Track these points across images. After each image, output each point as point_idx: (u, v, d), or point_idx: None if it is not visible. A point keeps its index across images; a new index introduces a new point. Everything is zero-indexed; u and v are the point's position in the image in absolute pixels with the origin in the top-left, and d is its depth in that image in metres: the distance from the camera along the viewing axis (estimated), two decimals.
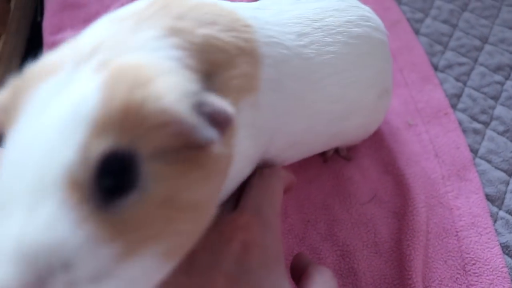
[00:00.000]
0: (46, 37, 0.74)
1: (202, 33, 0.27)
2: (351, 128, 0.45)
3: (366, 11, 0.44)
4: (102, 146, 0.19)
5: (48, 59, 0.24)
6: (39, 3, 0.87)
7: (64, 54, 0.24)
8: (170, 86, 0.21)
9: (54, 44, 0.73)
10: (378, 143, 0.58)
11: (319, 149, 0.48)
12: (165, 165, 0.21)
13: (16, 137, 0.20)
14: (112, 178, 0.19)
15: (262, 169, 0.36)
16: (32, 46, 0.84)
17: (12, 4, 0.78)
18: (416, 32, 0.70)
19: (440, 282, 0.49)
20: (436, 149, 0.57)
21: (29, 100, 0.21)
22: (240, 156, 0.29)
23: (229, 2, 0.33)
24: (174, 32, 0.26)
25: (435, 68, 0.66)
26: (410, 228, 0.50)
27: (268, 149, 0.35)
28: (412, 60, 0.65)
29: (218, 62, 0.27)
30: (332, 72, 0.37)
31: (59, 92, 0.21)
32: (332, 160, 0.56)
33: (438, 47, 0.68)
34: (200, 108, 0.22)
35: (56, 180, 0.18)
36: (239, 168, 0.31)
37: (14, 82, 0.24)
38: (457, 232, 0.52)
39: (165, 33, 0.25)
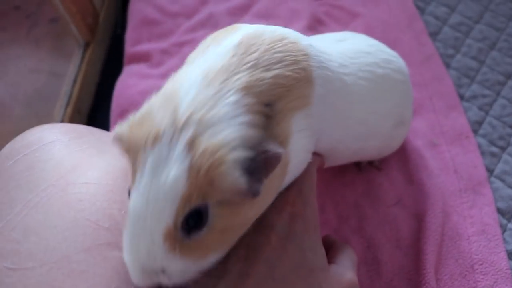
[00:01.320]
0: (128, 48, 0.87)
1: (271, 76, 0.35)
2: (369, 148, 0.55)
3: (390, 55, 0.54)
4: (187, 210, 0.30)
5: (152, 116, 0.33)
6: (120, 18, 1.00)
7: (162, 119, 0.32)
8: (233, 165, 0.30)
9: (133, 54, 0.86)
10: (406, 158, 0.67)
11: (349, 159, 0.58)
12: (225, 208, 0.32)
13: (136, 194, 0.31)
14: (193, 221, 0.31)
15: None
16: (111, 54, 0.97)
17: (101, 18, 0.92)
18: (447, 66, 0.80)
19: (450, 277, 0.58)
20: (456, 166, 0.67)
21: (142, 162, 0.31)
22: (300, 152, 0.40)
23: (293, 31, 0.42)
24: (248, 89, 0.33)
25: (461, 98, 0.75)
26: (427, 229, 0.60)
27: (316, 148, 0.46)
28: (441, 89, 0.76)
29: (281, 94, 0.35)
30: (360, 100, 0.48)
31: (162, 165, 0.31)
32: (366, 169, 0.67)
33: (466, 80, 0.78)
34: (256, 162, 0.31)
35: (160, 230, 0.31)
36: (300, 161, 0.41)
37: (128, 123, 0.34)
38: (468, 236, 0.61)
39: (242, 95, 0.33)
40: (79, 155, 0.43)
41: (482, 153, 0.69)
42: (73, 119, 0.82)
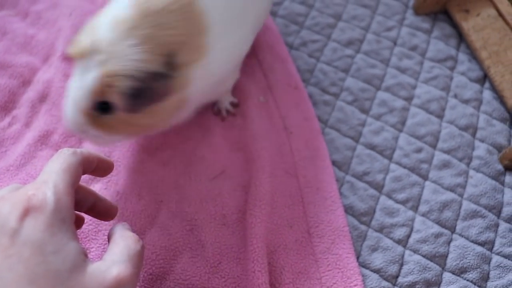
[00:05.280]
0: None
1: (168, 27, 0.45)
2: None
3: None
4: (97, 99, 0.44)
5: (83, 39, 0.45)
6: None
7: (87, 42, 0.44)
8: (119, 89, 0.44)
9: None
10: (230, 122, 0.61)
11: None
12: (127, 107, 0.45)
13: (72, 84, 0.46)
14: (102, 107, 0.45)
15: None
16: None
17: None
18: (273, 14, 0.75)
19: (285, 246, 0.53)
20: (286, 123, 0.61)
21: (77, 66, 0.45)
22: (197, 92, 0.50)
23: None
24: (148, 37, 0.44)
25: (290, 46, 0.70)
26: (254, 198, 0.54)
27: None
28: (267, 40, 0.69)
29: (179, 46, 0.45)
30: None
31: (85, 71, 0.44)
32: (187, 140, 0.59)
33: (294, 27, 0.74)
34: (142, 92, 0.44)
35: (81, 107, 0.45)
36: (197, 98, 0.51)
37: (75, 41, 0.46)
38: (302, 198, 0.56)
39: (142, 41, 0.44)
40: None
41: (315, 104, 0.64)
42: None
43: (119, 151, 0.59)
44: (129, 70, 0.43)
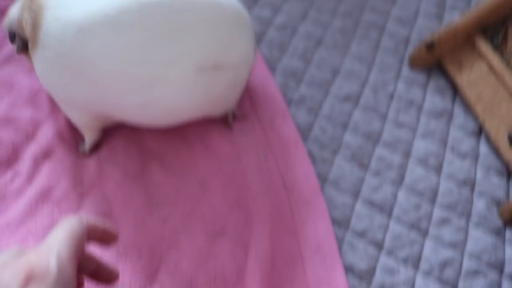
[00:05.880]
0: None
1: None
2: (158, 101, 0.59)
3: None
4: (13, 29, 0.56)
5: None
6: None
7: None
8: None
9: None
10: (229, 179, 0.62)
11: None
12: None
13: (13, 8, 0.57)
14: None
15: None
16: None
17: None
18: (273, 70, 0.77)
19: None
20: (285, 180, 0.62)
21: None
22: None
23: None
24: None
25: (289, 102, 0.71)
26: (253, 257, 0.54)
27: None
28: (266, 96, 0.71)
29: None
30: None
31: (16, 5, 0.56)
32: (187, 197, 0.60)
33: (293, 83, 0.76)
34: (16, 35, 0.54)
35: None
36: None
37: None
38: (302, 257, 0.56)
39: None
40: None
41: (314, 160, 0.65)
42: None
43: (119, 206, 0.59)
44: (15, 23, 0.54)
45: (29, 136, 0.67)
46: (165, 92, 0.51)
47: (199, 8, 0.48)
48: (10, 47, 0.81)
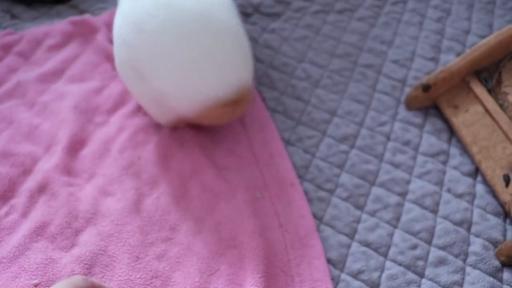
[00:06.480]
0: None
1: None
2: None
3: None
4: None
5: None
6: None
7: None
8: None
9: None
10: (225, 218, 0.62)
11: None
12: None
13: None
14: None
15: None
16: None
17: None
18: (272, 110, 0.78)
19: None
20: (281, 220, 0.63)
21: None
22: None
23: None
24: None
25: (287, 142, 0.72)
26: None
27: None
28: (264, 136, 0.72)
29: None
30: None
31: None
32: (183, 234, 0.60)
33: (291, 122, 0.77)
34: None
35: None
36: None
37: None
38: None
39: None
40: None
41: (310, 200, 0.66)
42: None
43: (114, 243, 0.59)
44: None
45: (26, 171, 0.67)
46: None
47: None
48: (12, 82, 0.83)
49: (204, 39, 0.59)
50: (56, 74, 0.85)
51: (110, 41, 0.89)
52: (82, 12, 0.97)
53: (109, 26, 0.92)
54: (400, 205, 0.68)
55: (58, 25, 0.91)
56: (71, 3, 1.00)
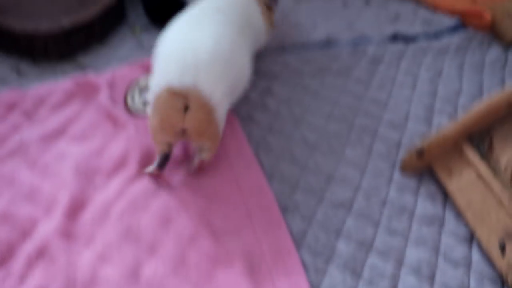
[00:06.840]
0: None
1: None
2: None
3: None
4: None
5: None
6: None
7: None
8: None
9: None
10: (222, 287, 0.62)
11: None
12: None
13: None
14: None
15: None
16: None
17: None
18: (270, 177, 0.80)
19: None
20: None
21: None
22: None
23: None
24: None
25: (285, 209, 0.75)
26: None
27: None
28: (261, 203, 0.73)
29: None
30: None
31: None
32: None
33: (288, 190, 0.78)
34: None
35: None
36: None
37: None
38: None
39: None
40: None
41: (307, 269, 0.67)
42: None
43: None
44: None
45: (25, 234, 0.68)
46: None
47: None
48: (15, 140, 0.84)
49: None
50: (58, 133, 0.87)
51: (112, 100, 0.92)
52: (85, 68, 1.00)
53: (111, 85, 0.94)
54: (396, 274, 0.68)
55: (61, 84, 0.95)
56: (76, 59, 1.03)
